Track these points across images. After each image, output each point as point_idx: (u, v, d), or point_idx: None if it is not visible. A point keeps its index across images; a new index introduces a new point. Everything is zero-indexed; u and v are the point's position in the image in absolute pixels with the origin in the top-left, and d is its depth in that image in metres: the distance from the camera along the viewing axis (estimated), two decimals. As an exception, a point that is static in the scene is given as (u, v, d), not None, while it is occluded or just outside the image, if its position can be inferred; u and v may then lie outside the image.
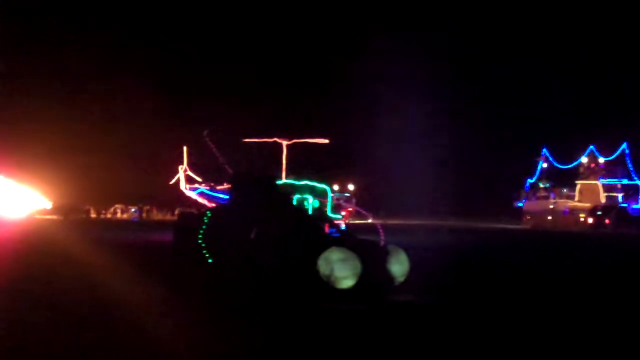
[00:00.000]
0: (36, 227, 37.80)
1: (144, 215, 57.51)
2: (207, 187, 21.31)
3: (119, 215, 61.42)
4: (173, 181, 22.59)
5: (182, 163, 22.08)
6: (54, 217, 54.30)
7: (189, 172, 22.04)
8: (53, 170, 60.08)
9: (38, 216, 53.84)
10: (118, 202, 62.42)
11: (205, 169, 22.61)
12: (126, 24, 73.82)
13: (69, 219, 51.19)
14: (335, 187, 28.26)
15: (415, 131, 79.75)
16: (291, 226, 12.67)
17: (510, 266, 19.14)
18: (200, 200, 20.88)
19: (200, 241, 13.27)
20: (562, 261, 21.67)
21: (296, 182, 23.46)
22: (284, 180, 23.54)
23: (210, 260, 13.19)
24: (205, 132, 20.72)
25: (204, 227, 13.30)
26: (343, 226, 27.09)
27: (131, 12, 75.21)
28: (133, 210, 60.27)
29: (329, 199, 24.22)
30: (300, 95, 71.61)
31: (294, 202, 20.27)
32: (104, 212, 61.25)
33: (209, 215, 13.54)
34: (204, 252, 13.21)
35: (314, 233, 12.94)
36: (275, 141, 26.32)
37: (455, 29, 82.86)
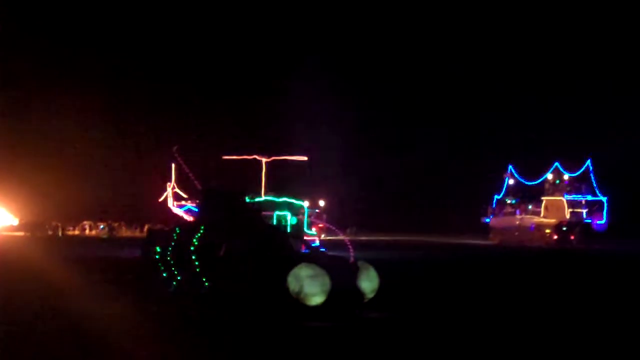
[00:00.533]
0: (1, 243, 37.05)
1: (114, 232, 56.78)
2: (194, 204, 21.24)
3: (87, 231, 60.62)
4: (162, 198, 22.51)
5: (169, 180, 22.05)
6: (21, 233, 53.34)
7: (177, 190, 22.01)
8: (20, 187, 59.04)
9: (4, 233, 52.87)
10: (86, 219, 61.68)
11: (190, 186, 22.59)
12: (98, 39, 73.08)
13: (35, 235, 50.32)
14: (306, 203, 28.46)
15: (383, 148, 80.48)
16: (260, 243, 12.68)
17: (477, 281, 19.36)
18: (187, 217, 20.83)
19: (168, 258, 13.21)
20: (524, 276, 21.99)
21: (276, 199, 23.66)
22: (264, 197, 23.78)
23: (179, 277, 13.14)
24: (174, 148, 20.69)
25: (172, 243, 13.25)
26: (317, 242, 27.34)
27: (106, 28, 74.50)
28: (102, 227, 59.51)
29: (305, 216, 24.45)
30: (267, 111, 71.74)
31: (274, 219, 20.45)
32: (70, 228, 60.30)
33: (178, 232, 13.49)
34: (173, 268, 13.15)
35: (284, 249, 12.97)
36: (255, 158, 26.52)
37: (421, 44, 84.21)
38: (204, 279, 12.83)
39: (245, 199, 15.59)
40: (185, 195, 21.80)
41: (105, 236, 55.20)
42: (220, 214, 13.83)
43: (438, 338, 9.58)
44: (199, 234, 12.99)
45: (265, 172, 26.43)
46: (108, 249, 32.73)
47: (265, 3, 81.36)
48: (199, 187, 17.70)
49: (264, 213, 21.89)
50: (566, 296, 15.32)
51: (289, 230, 22.36)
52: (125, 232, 60.41)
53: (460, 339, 9.58)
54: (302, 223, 23.75)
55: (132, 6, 77.04)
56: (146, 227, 46.61)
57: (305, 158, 30.35)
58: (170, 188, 21.91)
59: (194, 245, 12.90)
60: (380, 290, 12.17)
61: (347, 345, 8.99)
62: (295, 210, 23.27)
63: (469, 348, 8.94)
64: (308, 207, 26.71)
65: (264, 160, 27.05)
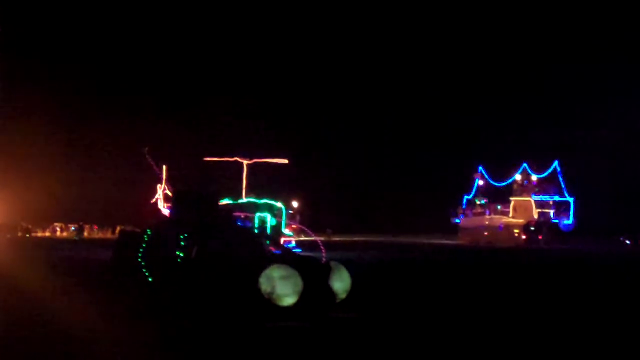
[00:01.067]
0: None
1: (82, 233, 56.11)
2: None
3: (58, 233, 59.82)
4: (153, 200, 22.53)
5: (160, 182, 22.00)
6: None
7: (167, 191, 22.09)
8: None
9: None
10: (57, 220, 60.93)
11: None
12: (76, 41, 71.79)
13: (5, 237, 49.51)
14: (280, 205, 28.99)
15: (357, 151, 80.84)
16: (232, 244, 12.67)
17: (447, 281, 19.59)
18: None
19: (139, 259, 13.11)
20: (492, 275, 22.32)
21: (258, 201, 23.84)
22: (247, 199, 24.00)
23: (150, 279, 13.05)
24: (145, 149, 20.51)
25: (144, 245, 13.16)
26: (293, 243, 27.56)
27: (83, 30, 73.22)
28: (73, 228, 58.80)
29: (283, 217, 24.71)
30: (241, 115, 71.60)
31: (256, 220, 20.58)
32: (38, 230, 59.36)
33: (149, 233, 13.39)
34: (144, 270, 13.06)
35: (256, 250, 12.98)
36: (236, 160, 26.82)
37: (391, 46, 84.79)
38: (175, 281, 12.78)
39: (216, 200, 15.55)
40: None
41: (76, 238, 54.57)
42: (191, 215, 13.78)
43: (410, 338, 9.69)
44: (169, 235, 12.94)
45: (246, 174, 26.87)
46: (77, 251, 32.31)
47: (252, 6, 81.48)
48: (170, 188, 17.63)
49: (246, 215, 22.19)
50: (533, 296, 15.61)
51: (269, 232, 22.70)
52: (97, 233, 59.84)
53: (432, 338, 9.71)
54: (280, 224, 24.15)
55: (123, 10, 76.18)
56: (118, 228, 46.23)
57: (286, 161, 30.87)
58: (161, 190, 22.00)
59: (164, 246, 12.84)
60: (353, 291, 12.24)
61: (319, 346, 9.04)
62: (274, 212, 23.60)
63: (441, 348, 9.07)
64: (285, 209, 27.15)
65: (245, 162, 27.39)
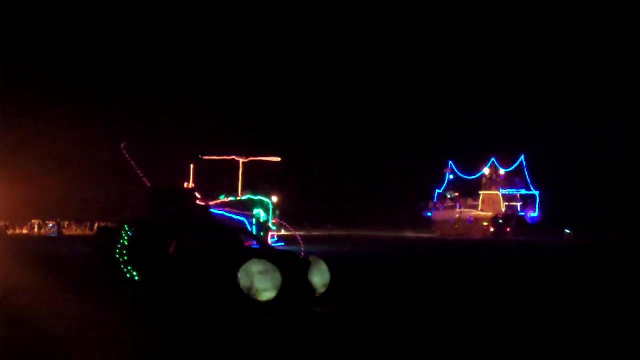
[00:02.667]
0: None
1: (64, 230, 55.34)
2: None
3: (35, 230, 58.79)
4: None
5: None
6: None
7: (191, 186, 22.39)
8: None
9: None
10: (34, 217, 59.82)
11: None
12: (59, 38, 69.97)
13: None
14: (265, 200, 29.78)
15: (332, 148, 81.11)
16: (210, 239, 12.75)
17: (424, 274, 19.86)
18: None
19: (117, 256, 13.13)
20: (467, 267, 22.72)
21: (255, 197, 24.12)
22: (246, 195, 24.31)
23: (128, 275, 13.08)
24: (122, 145, 20.25)
25: (121, 241, 13.18)
26: (275, 237, 27.78)
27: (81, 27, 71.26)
28: (51, 225, 57.82)
29: (270, 212, 25.00)
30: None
31: (254, 216, 20.81)
32: (11, 228, 58.15)
33: (127, 229, 13.41)
34: (122, 266, 13.08)
35: (234, 245, 13.07)
36: (233, 158, 27.22)
37: (363, 43, 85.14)
38: (153, 276, 12.82)
39: (193, 197, 15.64)
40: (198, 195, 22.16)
41: (54, 234, 53.72)
42: (169, 211, 13.84)
43: (389, 331, 9.83)
44: (147, 232, 12.99)
45: (242, 172, 27.49)
46: (58, 248, 31.85)
47: (246, 7, 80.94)
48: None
49: (246, 212, 22.61)
50: (511, 287, 15.96)
51: (261, 227, 23.16)
52: (75, 230, 59.03)
53: (411, 331, 9.86)
54: (269, 219, 24.66)
55: (120, 9, 74.51)
56: (96, 224, 45.74)
57: (279, 158, 31.64)
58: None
59: (142, 242, 12.88)
60: (332, 285, 12.36)
61: (298, 340, 9.13)
62: (265, 208, 24.09)
63: (420, 341, 9.23)
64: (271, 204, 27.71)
65: (241, 160, 27.84)
